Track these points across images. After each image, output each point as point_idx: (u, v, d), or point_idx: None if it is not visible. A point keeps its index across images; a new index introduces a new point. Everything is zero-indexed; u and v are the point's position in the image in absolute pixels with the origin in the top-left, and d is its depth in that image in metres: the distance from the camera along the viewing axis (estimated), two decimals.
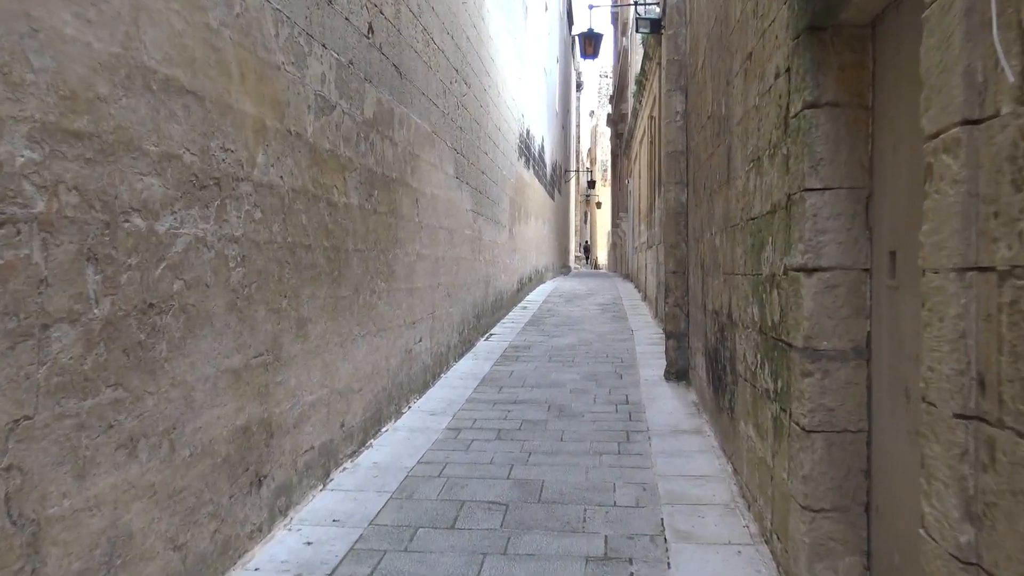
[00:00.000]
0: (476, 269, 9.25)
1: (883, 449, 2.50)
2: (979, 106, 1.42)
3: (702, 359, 5.82)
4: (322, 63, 4.13)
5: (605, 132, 45.94)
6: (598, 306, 14.19)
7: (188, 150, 2.81)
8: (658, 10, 9.39)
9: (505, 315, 12.04)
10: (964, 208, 1.44)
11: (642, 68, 13.30)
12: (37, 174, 2.09)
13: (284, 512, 3.69)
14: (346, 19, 4.48)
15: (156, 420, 2.64)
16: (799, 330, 2.71)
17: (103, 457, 2.36)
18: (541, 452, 4.83)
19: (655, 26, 9.36)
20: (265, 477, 3.49)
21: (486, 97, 9.92)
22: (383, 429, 5.32)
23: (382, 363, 5.32)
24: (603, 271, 40.66)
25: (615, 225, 32.07)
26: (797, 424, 2.74)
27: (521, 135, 14.38)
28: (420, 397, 6.35)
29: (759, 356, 3.57)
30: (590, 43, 11.57)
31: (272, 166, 3.52)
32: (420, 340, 6.41)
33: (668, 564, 3.21)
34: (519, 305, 13.78)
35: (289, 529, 3.62)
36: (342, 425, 4.52)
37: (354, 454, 4.71)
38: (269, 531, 3.53)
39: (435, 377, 6.98)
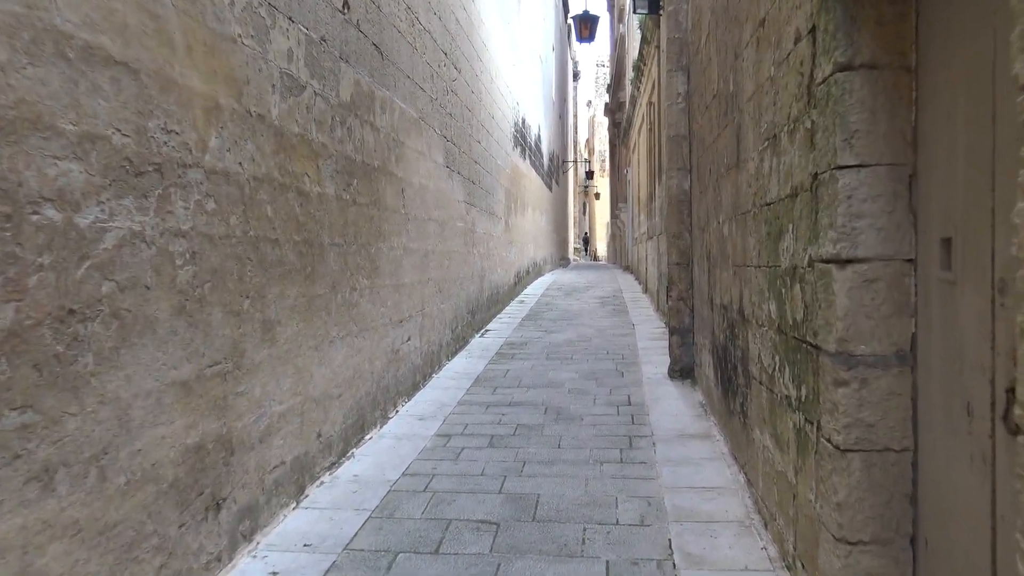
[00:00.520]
0: (470, 263, 8.87)
1: (934, 473, 2.12)
2: None
3: (709, 357, 5.44)
4: (288, 38, 3.74)
5: (603, 122, 45.52)
6: (597, 299, 13.80)
7: (118, 130, 2.42)
8: None
9: (502, 310, 11.65)
10: None
11: (640, 53, 12.88)
12: None
13: (248, 537, 3.31)
14: None
15: (80, 446, 2.25)
16: (831, 332, 2.33)
17: (6, 494, 1.98)
18: (537, 461, 4.45)
19: (653, 6, 8.93)
20: (224, 500, 3.11)
21: (478, 83, 9.52)
22: (367, 437, 4.94)
23: (365, 366, 4.93)
24: (602, 262, 40.27)
25: (614, 216, 31.68)
26: (829, 441, 2.36)
27: (516, 124, 13.97)
28: (409, 400, 5.97)
29: (777, 358, 3.19)
30: (586, 26, 11.15)
31: (228, 151, 3.13)
32: (408, 339, 6.02)
33: None
34: (516, 299, 13.39)
35: (254, 556, 3.24)
36: (318, 435, 4.14)
37: (333, 466, 4.33)
38: (230, 560, 3.14)
39: (426, 378, 6.60)
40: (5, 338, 1.98)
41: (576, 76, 41.19)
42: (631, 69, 16.80)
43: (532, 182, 17.06)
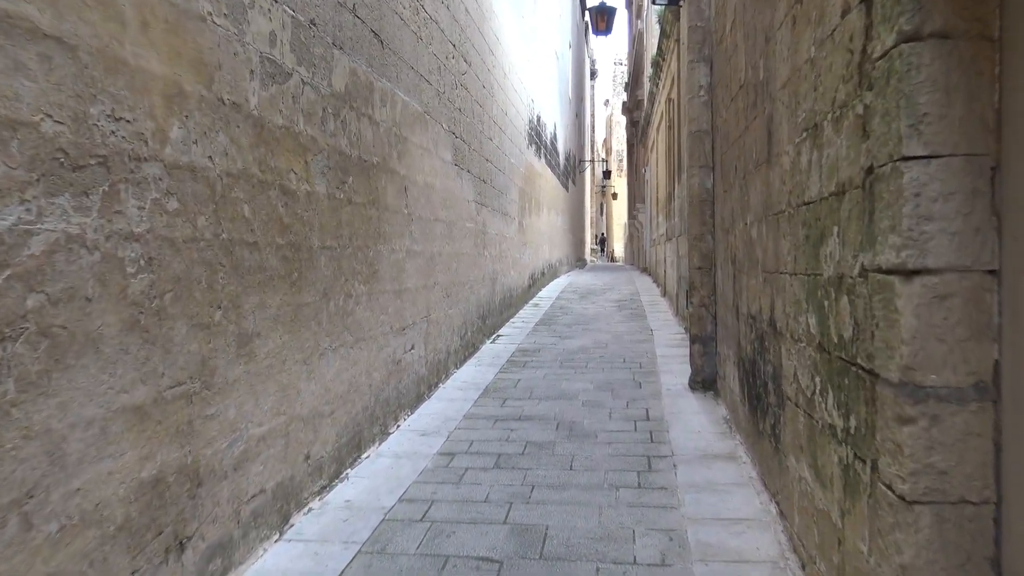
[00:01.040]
0: (480, 265, 8.49)
1: (1022, 530, 1.72)
2: None
3: (734, 369, 5.03)
4: (271, 19, 3.38)
5: (620, 121, 45.07)
6: (614, 303, 13.39)
7: (49, 116, 2.07)
8: None
9: (514, 314, 11.28)
10: None
11: (659, 48, 12.46)
12: None
13: None
14: None
15: None
16: (892, 357, 1.93)
17: None
18: (546, 485, 4.07)
19: None
20: (190, 538, 2.75)
21: (490, 78, 9.14)
22: (363, 455, 4.58)
23: (361, 379, 4.57)
24: (619, 264, 39.82)
25: (632, 216, 31.21)
26: (890, 488, 1.96)
27: (531, 121, 13.59)
28: (411, 413, 5.60)
29: (818, 380, 2.79)
30: (602, 18, 10.74)
31: (195, 143, 2.77)
32: (412, 348, 5.66)
33: None
34: (530, 303, 13.01)
35: None
36: (307, 458, 3.78)
37: (323, 490, 3.97)
38: None
39: (431, 388, 6.24)
40: None
41: (594, 75, 40.73)
42: (649, 65, 16.37)
43: (547, 181, 16.67)
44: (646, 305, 12.76)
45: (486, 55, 8.87)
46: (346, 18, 4.29)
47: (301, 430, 3.71)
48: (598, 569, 3.07)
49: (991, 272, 1.84)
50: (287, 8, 3.53)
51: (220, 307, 2.95)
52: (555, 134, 18.62)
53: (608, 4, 10.82)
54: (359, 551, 3.28)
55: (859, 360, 2.27)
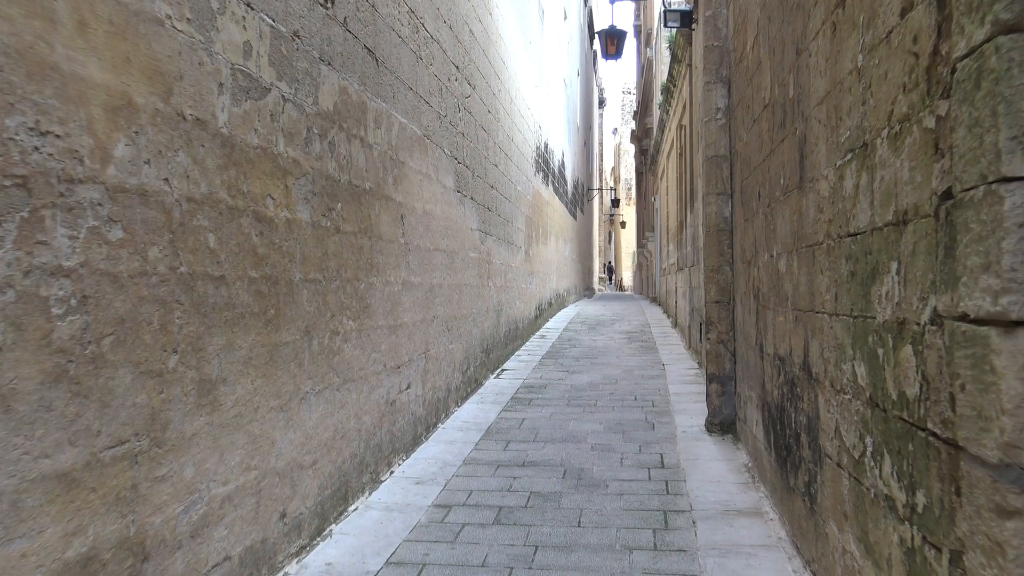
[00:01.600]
0: (484, 297, 8.11)
1: None
2: None
3: (757, 413, 4.61)
4: (245, 28, 3.03)
5: (629, 150, 44.92)
6: (624, 334, 12.96)
7: None
8: (687, 2, 8.25)
9: (520, 346, 10.87)
10: None
11: (669, 73, 12.16)
12: None
13: None
14: None
15: None
16: (988, 429, 1.53)
17: None
18: (551, 546, 3.64)
19: (685, 19, 8.23)
20: None
21: (495, 103, 8.82)
22: (350, 508, 4.16)
23: (349, 423, 4.17)
24: (628, 293, 39.42)
25: (640, 245, 30.86)
26: None
27: (538, 148, 13.27)
28: (407, 458, 5.19)
29: (870, 441, 2.38)
30: (612, 42, 10.44)
31: (148, 163, 2.41)
32: (408, 387, 5.25)
33: None
34: (537, 334, 12.60)
35: None
36: (282, 516, 3.37)
37: (302, 551, 3.56)
38: None
39: (429, 429, 5.82)
40: None
41: (602, 103, 40.61)
42: (659, 92, 16.09)
43: (555, 210, 16.34)
44: (657, 337, 12.34)
45: (491, 79, 8.56)
46: (335, 32, 3.95)
47: (276, 485, 3.31)
48: None
49: None
50: (265, 17, 3.18)
51: (176, 351, 2.56)
52: (563, 162, 18.33)
53: (617, 28, 10.52)
54: None
55: (930, 425, 1.86)
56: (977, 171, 1.58)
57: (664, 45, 15.50)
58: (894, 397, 2.15)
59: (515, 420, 6.36)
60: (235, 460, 2.96)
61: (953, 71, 1.70)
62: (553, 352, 10.63)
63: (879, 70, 2.25)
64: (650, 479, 4.71)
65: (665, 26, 8.40)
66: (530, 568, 3.39)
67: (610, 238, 54.77)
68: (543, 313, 14.07)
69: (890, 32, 2.14)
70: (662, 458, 5.17)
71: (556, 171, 16.56)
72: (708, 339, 5.83)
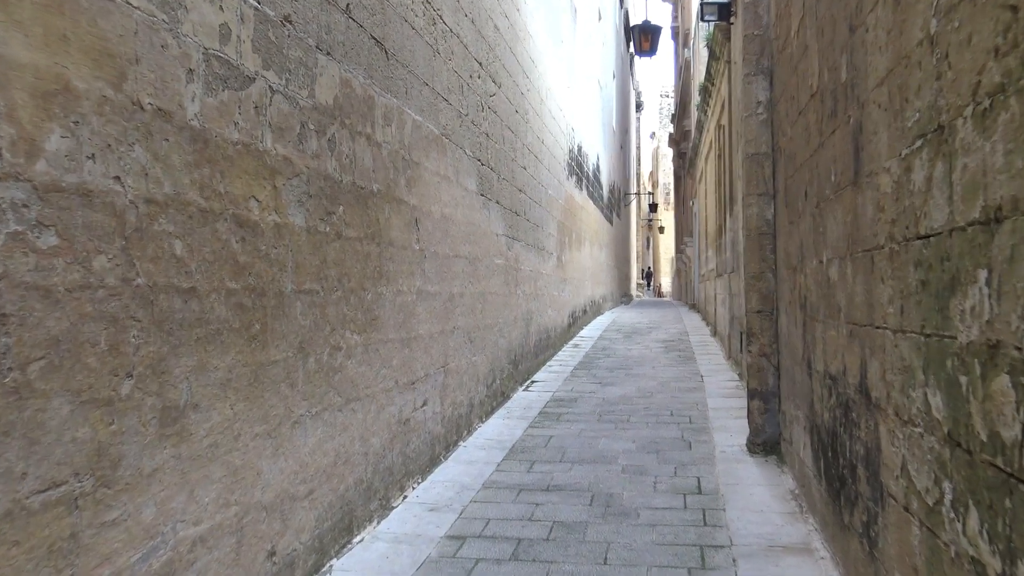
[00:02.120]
0: (512, 306, 7.73)
1: None
2: None
3: (805, 435, 4.16)
4: (222, 9, 2.69)
5: (667, 154, 44.32)
6: (661, 343, 12.49)
7: None
8: None
9: (552, 356, 10.47)
10: None
11: (707, 71, 11.70)
12: None
13: None
14: None
15: None
16: None
17: None
18: None
19: (723, 12, 7.79)
20: None
21: (523, 102, 8.46)
22: (355, 539, 3.81)
23: (354, 447, 3.82)
24: (667, 299, 38.78)
25: (679, 251, 30.27)
26: None
27: (571, 151, 12.88)
28: (422, 480, 4.83)
29: (948, 487, 1.96)
30: (647, 38, 10.01)
31: (92, 158, 2.08)
32: (424, 404, 4.90)
33: None
34: (570, 343, 12.19)
35: None
36: (271, 554, 3.02)
37: None
38: None
39: (449, 448, 5.46)
40: None
41: (639, 107, 40.07)
42: (697, 93, 15.61)
43: (590, 214, 15.92)
44: (695, 346, 11.85)
45: (519, 77, 8.20)
46: (336, 19, 3.61)
47: (263, 521, 2.96)
48: None
49: None
50: None
51: (131, 375, 2.23)
52: (598, 165, 17.90)
53: (652, 23, 10.09)
54: None
55: None
56: None
57: (702, 44, 15.03)
58: (983, 438, 1.73)
59: (542, 438, 5.96)
60: (210, 496, 2.62)
61: None
62: (586, 362, 10.22)
63: (959, 34, 1.84)
64: (686, 507, 4.28)
65: (702, 19, 7.97)
66: None
67: (648, 243, 54.10)
68: (577, 321, 13.65)
69: None
70: (699, 482, 4.74)
71: (590, 175, 16.15)
72: (749, 352, 5.39)
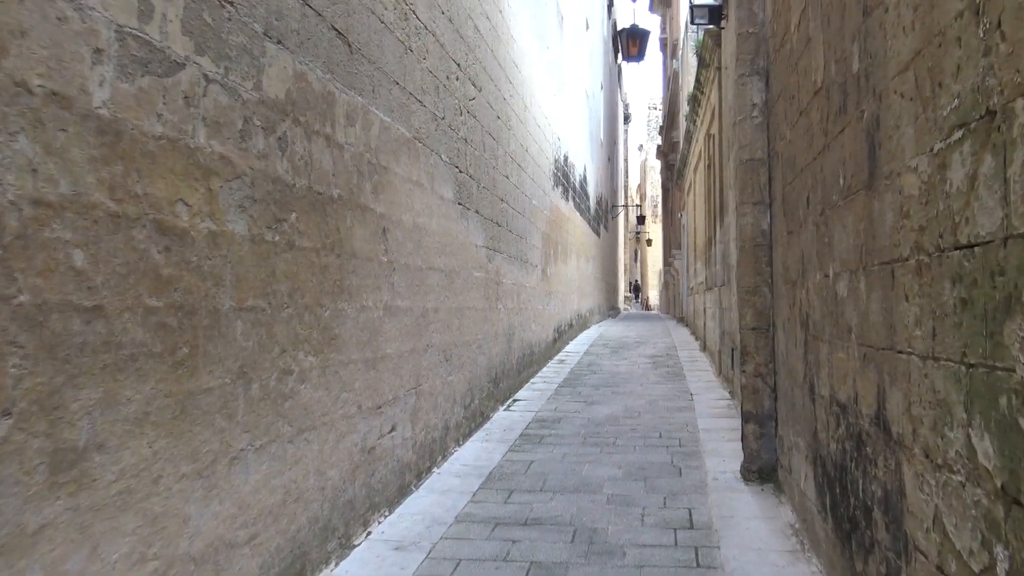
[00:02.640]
0: (493, 320, 7.35)
1: None
2: None
3: (807, 467, 3.80)
4: None
5: (655, 166, 44.17)
6: (649, 359, 12.13)
7: None
8: None
9: (537, 372, 10.09)
10: None
11: (696, 79, 11.40)
12: None
13: None
14: None
15: None
16: None
17: None
18: None
19: (714, 15, 7.47)
20: None
21: (506, 108, 8.11)
22: None
23: (308, 481, 3.42)
24: (655, 312, 38.49)
25: (667, 263, 30.00)
26: None
27: (557, 161, 12.54)
28: (390, 513, 4.43)
29: (1004, 553, 1.59)
30: (634, 42, 9.69)
31: None
32: (392, 429, 4.50)
33: None
34: (556, 358, 11.81)
35: None
36: None
37: None
38: None
39: (421, 476, 5.06)
40: None
41: (627, 119, 39.88)
42: (686, 103, 15.34)
43: (576, 226, 15.58)
44: (684, 362, 11.50)
45: (502, 83, 7.85)
46: (289, 4, 3.24)
47: (191, 575, 2.56)
48: None
49: None
50: None
51: (8, 413, 1.84)
52: (585, 176, 17.58)
53: (640, 27, 9.77)
54: None
55: None
56: None
57: (690, 53, 14.77)
58: None
59: (522, 463, 5.57)
60: (120, 551, 2.22)
61: None
62: (571, 379, 9.84)
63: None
64: (676, 544, 3.90)
65: (692, 22, 7.65)
66: None
67: (636, 256, 53.89)
68: (563, 335, 13.28)
69: None
70: (691, 514, 4.37)
71: (577, 186, 15.82)
72: (744, 372, 5.03)
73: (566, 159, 13.85)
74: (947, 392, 1.90)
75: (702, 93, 11.38)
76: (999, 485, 1.62)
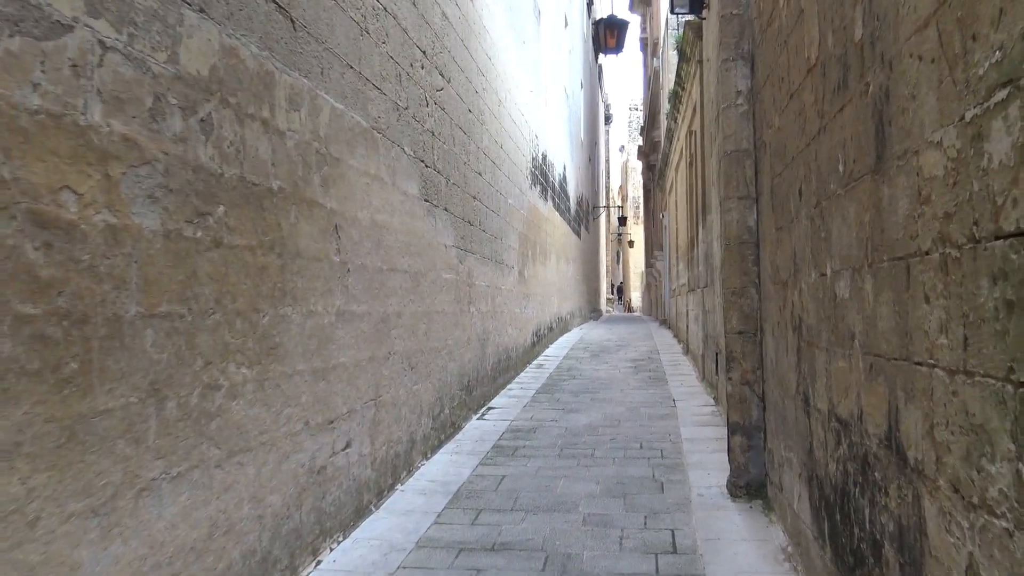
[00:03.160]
0: (464, 325, 6.97)
1: None
2: None
3: (802, 487, 3.44)
4: None
5: (636, 167, 43.95)
6: (630, 363, 11.78)
7: None
8: None
9: (514, 378, 9.71)
10: None
11: (677, 74, 11.08)
12: None
13: None
14: None
15: None
16: None
17: None
18: None
19: (695, 4, 7.14)
20: None
21: (479, 102, 7.73)
22: None
23: (241, 510, 3.03)
24: (637, 314, 38.22)
25: (649, 265, 29.72)
26: None
27: (535, 159, 12.17)
28: (344, 538, 4.04)
29: None
30: (612, 33, 9.33)
31: None
32: (347, 446, 4.11)
33: None
34: (534, 363, 11.43)
35: None
36: None
37: None
38: None
39: (382, 494, 4.66)
40: None
41: (608, 120, 39.60)
42: (666, 101, 15.02)
43: (556, 227, 15.22)
44: (666, 366, 11.15)
45: (474, 75, 7.47)
46: None
47: None
48: None
49: None
50: None
51: None
52: (564, 176, 17.23)
53: (619, 18, 9.41)
54: None
55: None
56: None
57: (671, 47, 14.46)
58: None
59: (493, 478, 5.19)
60: None
61: None
62: (549, 385, 9.46)
63: None
64: (658, 572, 3.54)
65: (672, 11, 7.30)
66: None
67: (618, 258, 53.65)
68: (542, 339, 12.91)
69: None
70: (674, 536, 4.00)
71: (556, 185, 15.46)
72: (730, 379, 4.67)
73: (544, 158, 13.49)
74: (985, 416, 1.54)
75: (683, 89, 11.05)
76: None
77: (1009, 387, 1.44)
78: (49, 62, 2.05)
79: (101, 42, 2.25)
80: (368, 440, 4.43)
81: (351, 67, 4.21)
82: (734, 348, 4.65)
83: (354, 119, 4.25)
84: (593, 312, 26.81)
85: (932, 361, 1.83)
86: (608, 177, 42.35)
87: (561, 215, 16.28)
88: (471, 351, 7.27)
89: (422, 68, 5.64)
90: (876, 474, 2.30)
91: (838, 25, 2.61)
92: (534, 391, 8.92)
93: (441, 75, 6.20)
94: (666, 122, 15.34)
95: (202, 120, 2.77)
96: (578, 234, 20.84)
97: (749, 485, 4.56)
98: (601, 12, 23.55)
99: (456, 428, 6.59)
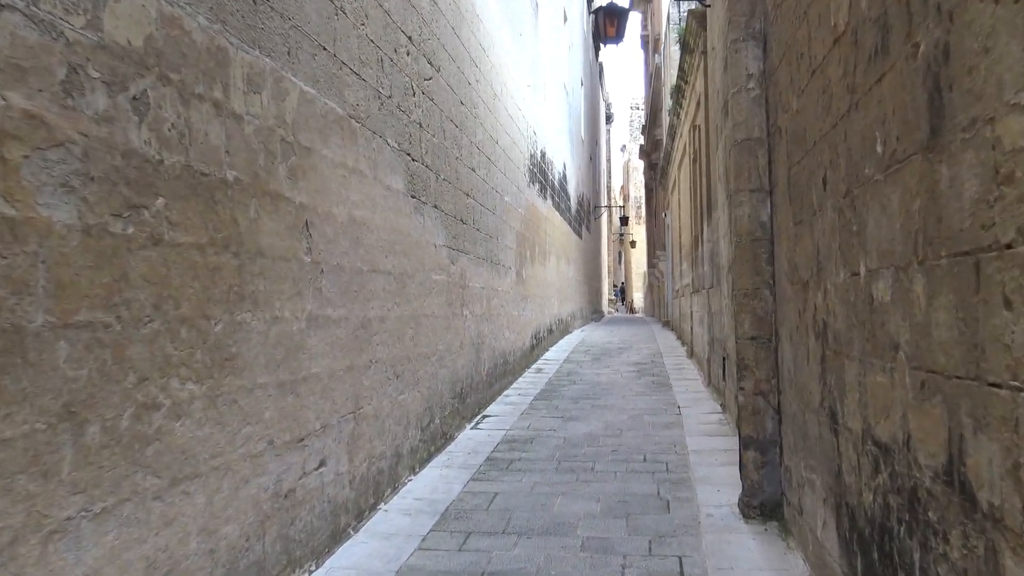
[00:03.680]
0: (457, 329, 6.58)
1: None
2: None
3: (827, 512, 3.05)
4: None
5: (638, 167, 43.54)
6: (633, 366, 11.39)
7: None
8: None
9: (511, 383, 9.32)
10: None
11: (680, 68, 10.69)
12: None
13: None
14: None
15: None
16: None
17: None
18: None
19: None
20: None
21: (472, 94, 7.34)
22: None
23: (187, 546, 2.64)
24: (639, 315, 37.81)
25: (651, 265, 29.32)
26: None
27: (533, 156, 11.79)
28: (317, 567, 3.65)
29: None
30: (612, 21, 8.94)
31: None
32: (320, 465, 3.73)
33: None
34: (533, 367, 11.04)
35: None
36: None
37: None
38: None
39: (362, 516, 4.28)
40: None
41: (609, 119, 39.20)
42: (668, 97, 14.65)
43: (555, 226, 14.83)
44: (670, 370, 10.76)
45: (465, 65, 7.08)
46: None
47: None
48: None
49: None
50: None
51: None
52: (564, 175, 16.84)
53: (618, 5, 9.02)
54: None
55: None
56: None
57: (673, 42, 14.10)
58: None
59: (484, 496, 4.80)
60: None
61: None
62: (549, 390, 9.07)
63: None
64: None
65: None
66: None
67: (620, 258, 53.24)
68: (541, 342, 12.52)
69: None
70: (681, 564, 3.61)
71: (556, 184, 15.08)
72: (742, 389, 4.28)
73: (543, 155, 13.10)
74: None
75: (686, 83, 10.66)
76: None
77: None
78: None
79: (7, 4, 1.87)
80: (346, 457, 4.04)
81: (324, 48, 3.82)
82: (746, 355, 4.25)
83: (328, 105, 3.86)
84: (594, 313, 26.41)
85: (1016, 383, 1.44)
86: (609, 177, 41.97)
87: (561, 214, 15.90)
88: (464, 356, 6.88)
89: (408, 55, 5.25)
90: (930, 514, 1.91)
91: None
92: (532, 397, 8.53)
93: (430, 63, 5.82)
94: (668, 119, 14.96)
95: (134, 98, 2.39)
96: (579, 234, 20.45)
97: (763, 505, 4.17)
98: (601, 3, 23.18)
99: (448, 439, 6.20)
